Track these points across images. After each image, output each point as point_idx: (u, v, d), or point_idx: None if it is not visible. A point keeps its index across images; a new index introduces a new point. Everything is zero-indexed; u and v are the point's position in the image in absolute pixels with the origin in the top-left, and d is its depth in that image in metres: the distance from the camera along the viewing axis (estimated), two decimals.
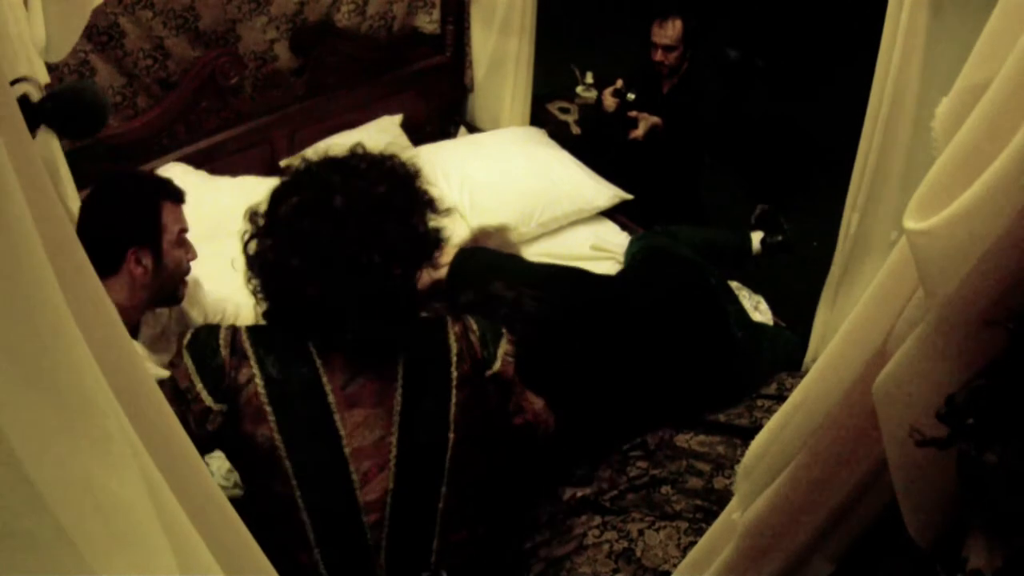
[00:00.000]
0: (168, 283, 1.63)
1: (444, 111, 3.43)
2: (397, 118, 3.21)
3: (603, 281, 2.24)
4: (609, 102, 3.22)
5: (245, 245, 1.35)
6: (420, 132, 3.27)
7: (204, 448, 1.39)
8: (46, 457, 0.53)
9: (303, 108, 2.97)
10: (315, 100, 3.00)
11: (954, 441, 0.73)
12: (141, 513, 0.59)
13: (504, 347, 1.50)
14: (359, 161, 1.33)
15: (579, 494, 1.90)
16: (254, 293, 1.35)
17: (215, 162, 2.72)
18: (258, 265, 1.33)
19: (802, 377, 2.22)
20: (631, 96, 3.18)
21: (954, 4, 1.69)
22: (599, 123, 3.48)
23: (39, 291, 0.53)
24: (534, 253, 2.83)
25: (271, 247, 1.30)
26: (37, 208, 0.56)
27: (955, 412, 0.72)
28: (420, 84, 3.29)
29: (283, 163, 1.38)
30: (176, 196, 1.65)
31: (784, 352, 2.39)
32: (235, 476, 2.09)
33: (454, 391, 1.38)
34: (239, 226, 2.09)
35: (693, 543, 1.71)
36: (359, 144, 1.37)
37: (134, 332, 1.61)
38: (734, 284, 2.79)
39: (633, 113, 3.13)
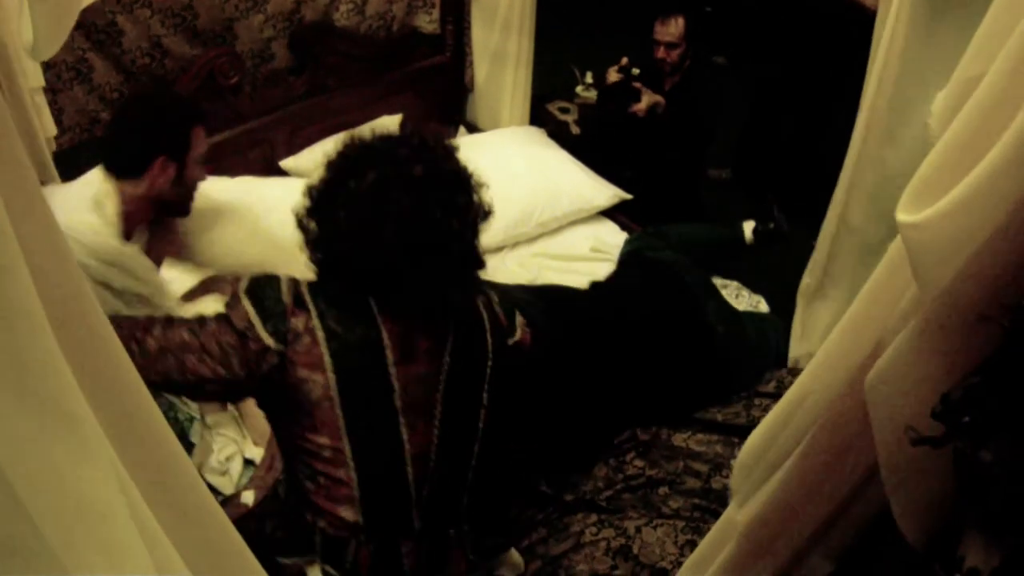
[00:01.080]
0: (184, 195, 1.77)
1: (444, 111, 3.42)
2: (397, 118, 3.19)
3: (576, 293, 2.26)
4: (613, 76, 3.19)
5: (302, 220, 1.38)
6: None
7: (249, 394, 1.43)
8: (24, 464, 0.53)
9: (303, 108, 2.96)
10: (315, 100, 2.99)
11: (949, 439, 0.72)
12: (119, 520, 0.59)
13: (519, 317, 1.56)
14: (417, 137, 1.38)
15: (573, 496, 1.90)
16: (314, 263, 1.39)
17: (214, 162, 2.70)
18: (327, 238, 1.36)
19: (800, 374, 2.23)
20: (636, 71, 3.17)
21: (938, 9, 1.70)
22: (600, 122, 3.47)
23: (12, 294, 0.52)
24: (534, 253, 2.83)
25: (345, 219, 1.32)
26: (16, 204, 0.55)
27: (950, 410, 0.72)
28: (420, 84, 3.28)
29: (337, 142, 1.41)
30: (204, 120, 1.80)
31: (773, 339, 2.40)
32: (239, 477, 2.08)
33: (490, 357, 1.45)
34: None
35: (690, 540, 1.71)
36: (402, 123, 1.44)
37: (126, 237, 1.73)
38: (734, 284, 2.78)
39: (638, 84, 3.10)
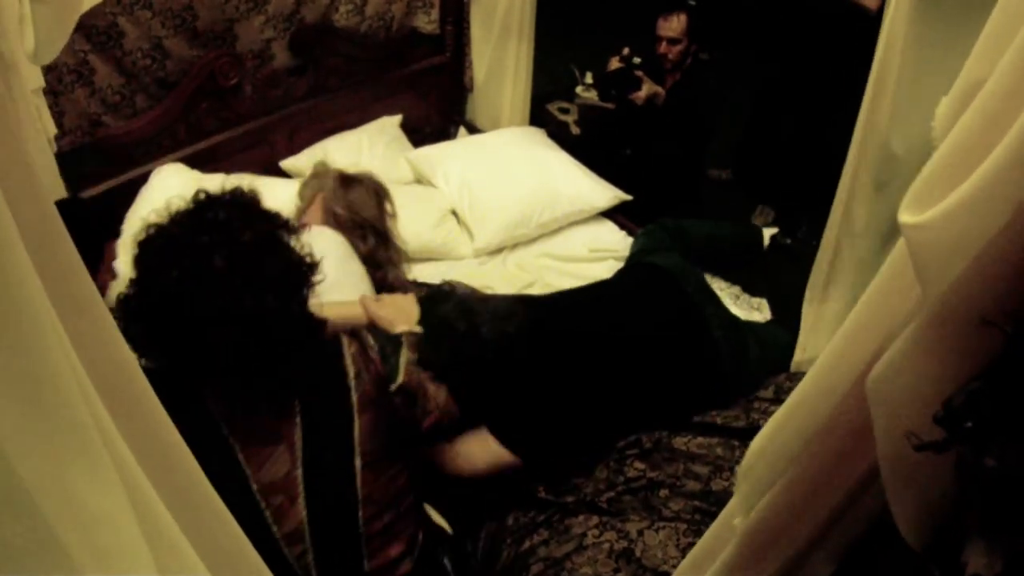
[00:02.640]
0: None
1: (444, 111, 3.42)
2: (397, 118, 3.20)
3: (573, 302, 2.21)
4: (614, 64, 3.18)
5: (123, 311, 1.30)
6: (420, 132, 3.27)
7: None
8: (29, 469, 0.53)
9: (303, 109, 2.96)
10: (315, 101, 2.99)
11: (951, 445, 0.72)
12: (123, 525, 0.59)
13: (405, 355, 1.49)
14: (214, 211, 1.31)
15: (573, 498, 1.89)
16: (136, 352, 1.32)
17: (215, 163, 2.72)
18: (145, 342, 1.29)
19: (799, 379, 2.22)
20: (637, 59, 3.17)
21: (935, 9, 1.70)
22: (601, 122, 3.47)
23: (21, 297, 0.52)
24: (533, 253, 2.83)
25: (158, 327, 1.26)
26: (20, 208, 0.55)
27: (953, 415, 0.71)
28: (420, 84, 3.28)
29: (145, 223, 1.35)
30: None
31: (775, 350, 2.37)
32: None
33: (356, 416, 1.37)
34: None
35: (692, 544, 1.69)
36: (200, 190, 1.35)
37: None
38: (735, 291, 2.77)
39: (639, 73, 3.10)
